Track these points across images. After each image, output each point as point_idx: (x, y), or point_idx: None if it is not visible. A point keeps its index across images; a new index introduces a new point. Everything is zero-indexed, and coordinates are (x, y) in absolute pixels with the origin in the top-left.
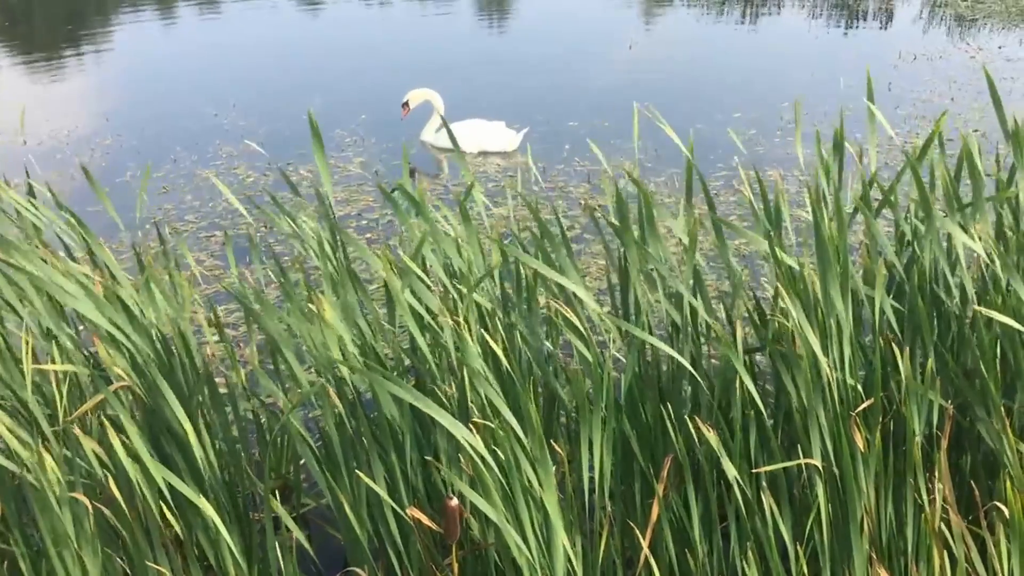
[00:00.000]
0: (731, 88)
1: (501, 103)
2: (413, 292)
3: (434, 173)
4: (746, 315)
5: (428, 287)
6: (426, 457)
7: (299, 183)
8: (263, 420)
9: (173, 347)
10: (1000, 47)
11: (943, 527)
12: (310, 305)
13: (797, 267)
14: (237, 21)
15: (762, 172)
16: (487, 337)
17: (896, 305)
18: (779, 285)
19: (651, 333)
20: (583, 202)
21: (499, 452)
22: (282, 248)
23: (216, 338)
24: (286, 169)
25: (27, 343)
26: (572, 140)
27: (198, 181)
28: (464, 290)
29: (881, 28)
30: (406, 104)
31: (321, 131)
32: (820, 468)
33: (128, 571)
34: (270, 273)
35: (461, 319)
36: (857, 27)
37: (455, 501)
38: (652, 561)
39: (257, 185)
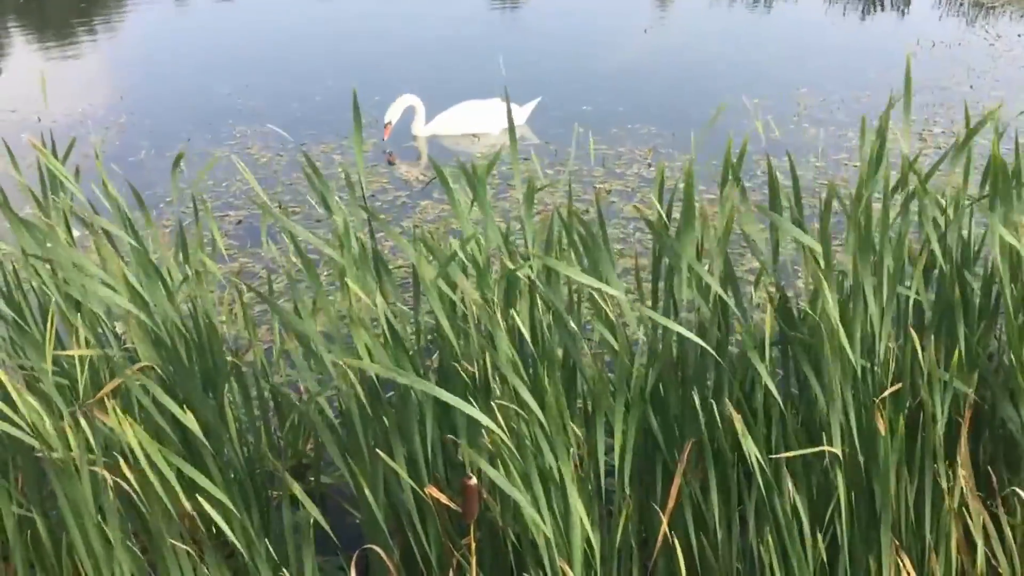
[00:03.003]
0: (746, 74)
1: (514, 87)
2: (445, 278)
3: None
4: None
5: (463, 271)
6: (447, 435)
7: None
8: (281, 399)
9: (196, 326)
10: (1020, 35)
11: (964, 512)
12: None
13: (830, 257)
14: (251, 1)
15: (778, 159)
16: (516, 318)
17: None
18: (810, 273)
19: (677, 315)
20: (597, 187)
21: (518, 432)
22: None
23: (236, 317)
24: (299, 150)
25: (51, 317)
26: (586, 124)
27: (211, 161)
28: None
29: (898, 15)
30: (388, 124)
31: (336, 112)
32: (840, 455)
33: (146, 546)
34: (285, 254)
35: (491, 302)
36: (874, 13)
37: (473, 480)
38: (670, 542)
39: (271, 165)
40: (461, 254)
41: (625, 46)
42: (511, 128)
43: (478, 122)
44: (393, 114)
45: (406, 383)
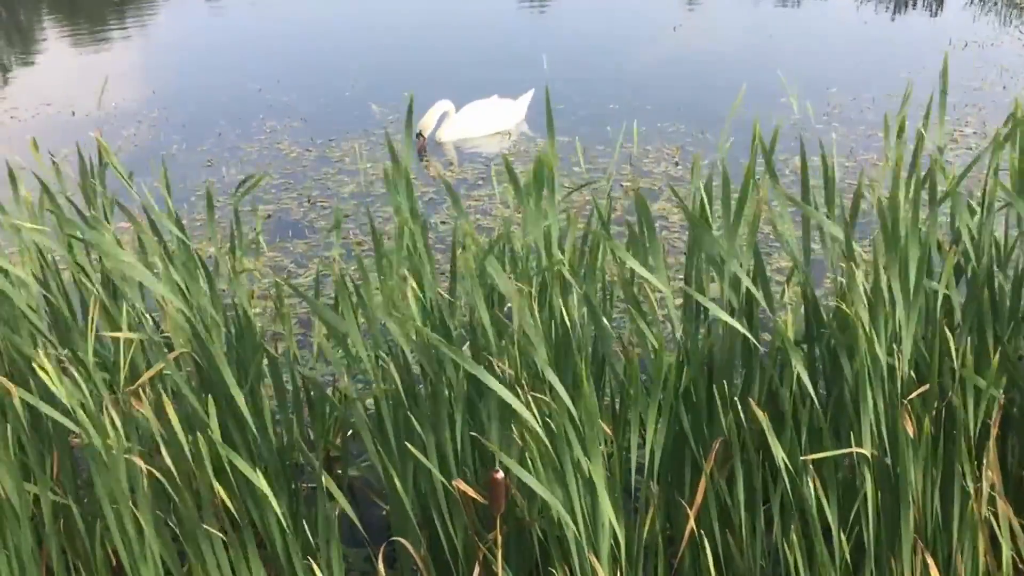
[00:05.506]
0: (776, 73)
1: (539, 84)
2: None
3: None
4: (800, 300)
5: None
6: (472, 434)
7: (341, 158)
8: (314, 390)
9: (232, 317)
10: None
11: (990, 515)
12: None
13: (852, 248)
14: None
15: (808, 158)
16: (561, 305)
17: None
18: (842, 269)
19: (706, 313)
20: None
21: (550, 425)
22: (325, 223)
23: (270, 309)
24: (328, 145)
25: (94, 304)
26: (614, 122)
27: (242, 155)
28: (536, 264)
29: (931, 15)
30: (420, 135)
31: (364, 108)
32: (869, 456)
33: (177, 533)
34: (313, 249)
35: (529, 293)
36: (906, 13)
37: (501, 474)
38: (696, 540)
39: (301, 160)
40: (498, 247)
41: (654, 44)
42: (550, 123)
43: (493, 121)
44: (428, 123)
45: (454, 358)
